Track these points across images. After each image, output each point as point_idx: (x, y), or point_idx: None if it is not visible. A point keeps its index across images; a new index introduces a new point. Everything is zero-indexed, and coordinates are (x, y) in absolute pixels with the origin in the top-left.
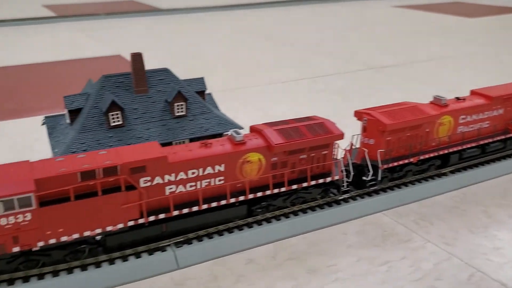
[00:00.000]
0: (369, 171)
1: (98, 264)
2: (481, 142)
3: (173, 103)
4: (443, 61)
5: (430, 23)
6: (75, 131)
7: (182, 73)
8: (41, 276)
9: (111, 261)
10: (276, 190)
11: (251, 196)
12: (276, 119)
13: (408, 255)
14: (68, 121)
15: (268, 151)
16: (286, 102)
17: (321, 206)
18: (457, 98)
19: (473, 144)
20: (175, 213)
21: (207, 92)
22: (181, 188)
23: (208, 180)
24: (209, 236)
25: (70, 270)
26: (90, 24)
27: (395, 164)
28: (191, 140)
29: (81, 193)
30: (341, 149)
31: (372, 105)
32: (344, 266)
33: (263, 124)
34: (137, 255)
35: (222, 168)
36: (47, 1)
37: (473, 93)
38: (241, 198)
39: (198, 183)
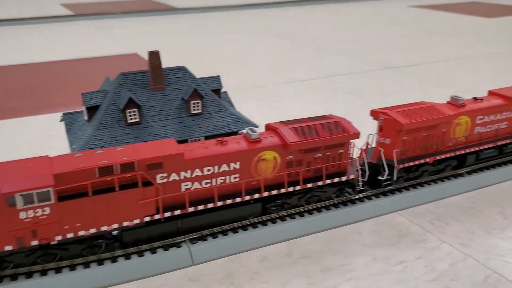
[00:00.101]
0: (384, 170)
1: (114, 259)
2: (499, 143)
3: (189, 101)
4: (461, 62)
5: (447, 23)
6: (93, 127)
7: (199, 71)
8: (58, 270)
9: (127, 256)
10: (291, 189)
11: (266, 194)
12: (291, 118)
13: (423, 255)
14: (86, 117)
15: (284, 150)
16: (301, 101)
17: (336, 205)
18: (475, 99)
19: (491, 145)
20: (191, 209)
21: (223, 90)
22: (196, 185)
23: (223, 178)
24: (224, 233)
25: (87, 265)
26: (107, 23)
27: (411, 164)
28: (207, 138)
29: (98, 189)
30: (357, 148)
31: (388, 105)
32: (359, 266)
33: (278, 122)
34: (153, 250)
35: (237, 165)
36: (65, 0)
37: (491, 93)
38: (256, 196)
39: (214, 180)
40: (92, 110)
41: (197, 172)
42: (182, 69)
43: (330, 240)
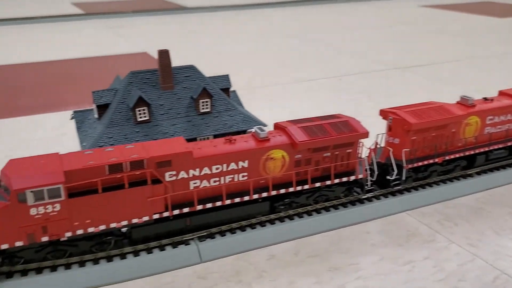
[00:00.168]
0: (393, 170)
1: (123, 256)
2: (509, 144)
3: (198, 99)
4: (471, 62)
5: (458, 23)
6: (103, 125)
7: (208, 70)
8: (68, 266)
9: (136, 253)
10: (299, 188)
11: (274, 192)
12: (300, 117)
13: (431, 255)
14: (96, 116)
15: (292, 148)
16: (310, 100)
17: (344, 205)
18: (485, 99)
19: (501, 146)
20: (199, 207)
21: (231, 89)
22: (205, 183)
23: (231, 176)
24: (232, 231)
25: (96, 261)
26: (117, 22)
27: (420, 164)
28: (215, 136)
29: (108, 186)
30: (365, 147)
31: (398, 104)
32: (367, 265)
33: (287, 121)
34: (161, 247)
35: (245, 164)
36: None
37: (502, 93)
38: (264, 194)
39: (222, 178)
40: (102, 108)
41: (206, 170)
42: (192, 68)
43: (338, 239)
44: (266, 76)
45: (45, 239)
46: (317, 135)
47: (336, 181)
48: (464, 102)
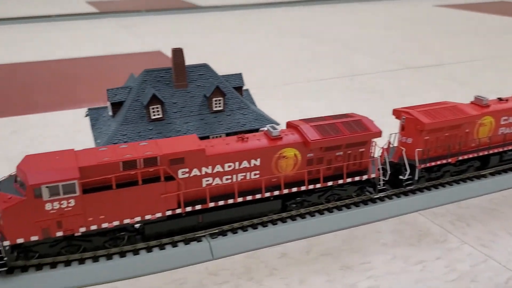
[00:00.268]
0: (406, 170)
1: (136, 252)
2: None
3: (211, 98)
4: (486, 62)
5: (473, 23)
6: (117, 123)
7: (221, 69)
8: (81, 261)
9: (149, 249)
10: (311, 186)
11: (286, 191)
12: (313, 117)
13: (443, 256)
14: (110, 113)
15: (304, 147)
16: (323, 100)
17: (356, 204)
18: (500, 99)
19: None
20: (211, 204)
21: (244, 88)
22: (217, 181)
23: (243, 174)
24: (244, 229)
25: (109, 256)
26: (131, 21)
27: (433, 164)
28: (228, 135)
29: (122, 182)
30: (378, 147)
31: (411, 104)
32: (378, 264)
33: (300, 120)
34: (174, 244)
35: (258, 162)
36: None
37: None
38: (276, 192)
39: (234, 176)
40: (116, 106)
41: (218, 168)
42: (205, 67)
43: (350, 238)
44: (279, 75)
45: (59, 234)
46: (329, 134)
47: (349, 180)
48: (478, 102)
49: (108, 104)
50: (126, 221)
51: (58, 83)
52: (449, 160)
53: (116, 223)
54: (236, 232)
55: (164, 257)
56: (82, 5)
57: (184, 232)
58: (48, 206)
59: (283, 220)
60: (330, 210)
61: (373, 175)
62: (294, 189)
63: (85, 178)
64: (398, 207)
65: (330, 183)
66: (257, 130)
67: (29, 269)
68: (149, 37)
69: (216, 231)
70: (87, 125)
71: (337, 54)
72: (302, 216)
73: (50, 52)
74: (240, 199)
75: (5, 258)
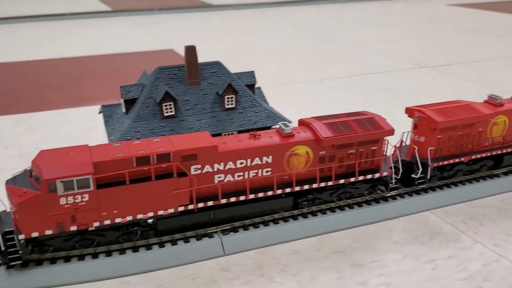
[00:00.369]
0: (418, 168)
1: (149, 247)
2: None
3: (224, 95)
4: (501, 61)
5: (488, 22)
6: (130, 120)
7: (233, 67)
8: (95, 255)
9: (161, 244)
10: (323, 184)
11: (297, 188)
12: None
13: (455, 255)
14: (123, 110)
15: (316, 145)
16: (335, 98)
17: (367, 202)
18: None
19: None
20: (223, 201)
21: (256, 86)
22: (229, 177)
23: (255, 171)
24: (255, 225)
25: (122, 251)
26: (144, 19)
27: (445, 163)
28: (239, 132)
29: (135, 178)
30: (390, 145)
31: (424, 103)
32: (389, 262)
33: (312, 117)
34: (186, 239)
35: (269, 159)
36: None
37: None
38: (288, 190)
39: (246, 173)
40: (129, 103)
41: (230, 165)
42: (217, 64)
43: (361, 236)
44: (292, 73)
45: (73, 228)
46: (342, 132)
47: (360, 178)
48: (492, 101)
49: (121, 101)
50: (139, 216)
51: (72, 81)
52: (462, 159)
53: (129, 218)
54: (248, 229)
55: (176, 253)
56: (96, 4)
57: (196, 228)
58: (62, 201)
59: (295, 218)
60: (341, 208)
61: (385, 174)
62: (306, 187)
63: (99, 173)
64: (410, 206)
65: (342, 181)
66: (269, 128)
67: (43, 263)
68: (161, 35)
69: (228, 227)
70: (101, 122)
71: (350, 53)
72: (314, 213)
73: (64, 50)
74: (251, 196)
75: (20, 252)
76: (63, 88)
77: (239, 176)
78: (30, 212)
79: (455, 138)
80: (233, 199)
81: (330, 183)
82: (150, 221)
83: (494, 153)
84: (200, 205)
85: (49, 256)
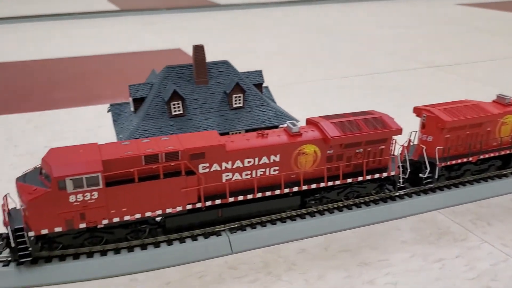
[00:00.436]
0: (426, 168)
1: (157, 244)
2: None
3: (231, 94)
4: (509, 61)
5: (496, 22)
6: (139, 118)
7: (241, 66)
8: (104, 253)
9: (169, 242)
10: (330, 183)
11: (305, 187)
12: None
13: (463, 254)
14: (132, 109)
15: (324, 144)
16: (343, 97)
17: (375, 202)
18: None
19: None
20: (231, 199)
21: (264, 85)
22: (237, 176)
23: (263, 170)
24: (262, 224)
25: (131, 249)
26: (151, 18)
27: (453, 162)
28: (247, 131)
29: (144, 176)
30: (398, 144)
31: (432, 103)
32: (397, 261)
33: (319, 116)
34: (194, 238)
35: (277, 158)
36: None
37: None
38: (295, 189)
39: (254, 172)
40: (138, 102)
41: (238, 164)
42: (225, 63)
43: (369, 236)
44: (299, 73)
45: (82, 225)
46: (349, 131)
47: (368, 177)
48: (501, 101)
49: (130, 100)
50: (148, 214)
51: (80, 80)
52: (470, 159)
53: (138, 215)
54: (255, 227)
55: (184, 250)
56: (104, 3)
57: (204, 226)
58: (72, 198)
59: (302, 216)
60: (349, 207)
61: (393, 173)
62: (313, 186)
63: (108, 171)
64: (418, 205)
65: (349, 180)
66: (276, 127)
67: (53, 260)
68: (169, 34)
69: (235, 225)
70: (109, 120)
71: (357, 53)
72: (321, 212)
73: (72, 49)
74: (259, 195)
75: (30, 249)
76: (71, 87)
77: (246, 174)
78: (40, 209)
79: (463, 138)
80: (240, 198)
81: (337, 182)
82: (158, 219)
83: (502, 153)
84: (208, 203)
85: (58, 253)
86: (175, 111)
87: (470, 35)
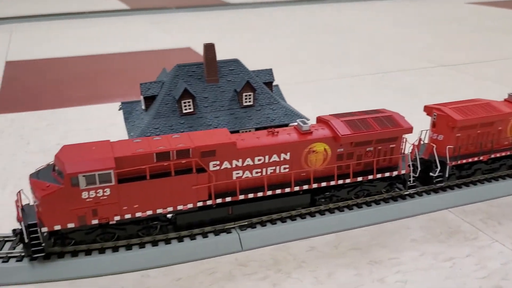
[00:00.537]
0: (436, 167)
1: (168, 241)
2: None
3: (242, 93)
4: None
5: (506, 20)
6: (149, 116)
7: (251, 64)
8: (115, 249)
9: (180, 239)
10: (340, 181)
11: (315, 185)
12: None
13: (473, 253)
14: (143, 107)
15: (334, 142)
16: (353, 96)
17: (385, 200)
18: None
19: None
20: (241, 197)
21: (274, 83)
22: (247, 174)
23: (273, 168)
24: (272, 222)
25: (142, 245)
26: (161, 17)
27: (464, 161)
28: (257, 129)
29: (155, 173)
30: (409, 143)
31: (442, 102)
32: (407, 260)
33: (330, 115)
34: (204, 234)
35: (287, 156)
36: None
37: None
38: (305, 187)
39: (264, 169)
40: (149, 100)
41: (248, 161)
42: (236, 62)
43: (379, 234)
44: (309, 71)
45: (95, 222)
46: (360, 129)
47: (378, 176)
48: None
49: (141, 98)
50: (159, 211)
51: (91, 78)
52: (481, 158)
53: (149, 212)
54: (265, 225)
55: (195, 247)
56: (114, 2)
57: (214, 223)
58: (84, 195)
59: (312, 214)
60: (359, 205)
61: (403, 172)
62: (323, 184)
63: (120, 168)
64: (428, 204)
65: (359, 179)
66: (286, 125)
67: (65, 255)
68: (179, 33)
69: (246, 223)
70: (121, 118)
71: (367, 52)
72: (331, 211)
73: (83, 48)
74: (269, 193)
75: (43, 244)
76: (82, 86)
77: (257, 172)
78: (53, 205)
79: (474, 137)
80: (251, 196)
81: (348, 180)
82: (169, 215)
83: None
84: (219, 200)
85: (71, 249)
86: (185, 109)
87: (480, 34)
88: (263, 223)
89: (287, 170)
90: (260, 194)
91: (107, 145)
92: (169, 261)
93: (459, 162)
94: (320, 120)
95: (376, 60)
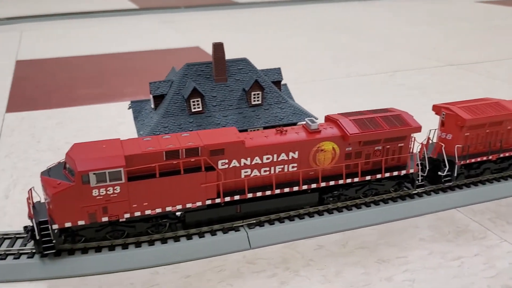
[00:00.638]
0: (445, 166)
1: (177, 239)
2: None
3: (250, 92)
4: None
5: None
6: (159, 115)
7: (260, 63)
8: (125, 246)
9: (189, 237)
10: (348, 180)
11: (323, 184)
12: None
13: (482, 252)
14: (152, 106)
15: (343, 141)
16: (362, 95)
17: (393, 199)
18: None
19: None
20: (249, 195)
21: (283, 82)
22: (255, 172)
23: (281, 166)
24: (280, 220)
25: (151, 242)
26: (170, 17)
27: (473, 160)
28: (265, 128)
29: (165, 171)
30: (417, 142)
31: (451, 101)
32: (415, 259)
33: (338, 114)
34: (213, 232)
35: (296, 155)
36: None
37: None
38: (313, 185)
39: (272, 168)
40: (158, 99)
41: (257, 160)
42: (244, 61)
43: (387, 233)
44: (318, 70)
45: (105, 219)
46: (368, 128)
47: (387, 175)
48: None
49: (150, 97)
50: (168, 208)
51: (100, 77)
52: (490, 157)
53: (158, 210)
54: (273, 223)
55: (204, 245)
56: (123, 2)
57: (223, 221)
58: (95, 192)
59: (320, 213)
60: (367, 204)
61: (411, 171)
62: (332, 183)
63: (130, 166)
64: (436, 203)
65: (368, 178)
66: (294, 124)
67: (76, 252)
68: (187, 32)
69: (254, 221)
70: (130, 117)
71: (377, 51)
72: (339, 209)
73: (92, 47)
74: (277, 191)
75: (54, 241)
76: (92, 85)
77: (265, 171)
78: (64, 202)
79: (483, 136)
80: (259, 194)
81: (356, 179)
82: (178, 213)
83: None
84: (227, 199)
85: (81, 246)
86: (194, 108)
87: (490, 33)
88: (271, 222)
89: (295, 168)
90: (268, 192)
91: (117, 144)
92: (178, 259)
93: (467, 161)
94: (328, 119)
95: (385, 59)
